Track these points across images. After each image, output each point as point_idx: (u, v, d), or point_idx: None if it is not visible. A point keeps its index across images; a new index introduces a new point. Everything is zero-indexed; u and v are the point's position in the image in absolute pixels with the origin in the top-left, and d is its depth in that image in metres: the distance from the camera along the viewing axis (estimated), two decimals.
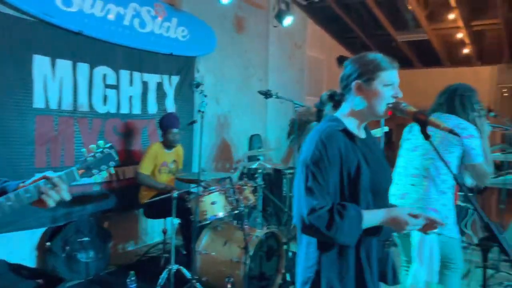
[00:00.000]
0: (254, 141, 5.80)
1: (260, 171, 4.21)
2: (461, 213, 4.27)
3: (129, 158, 4.25)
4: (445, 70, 8.38)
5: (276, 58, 6.43)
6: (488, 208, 5.87)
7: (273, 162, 5.86)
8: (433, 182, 2.38)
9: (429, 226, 1.48)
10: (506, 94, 8.66)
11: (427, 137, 1.46)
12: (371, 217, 1.37)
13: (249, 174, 4.90)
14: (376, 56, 1.50)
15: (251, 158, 5.20)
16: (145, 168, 3.82)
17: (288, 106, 4.21)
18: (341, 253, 1.41)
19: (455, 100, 2.46)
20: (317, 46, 7.61)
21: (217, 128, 5.42)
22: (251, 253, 3.07)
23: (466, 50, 7.78)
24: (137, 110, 4.34)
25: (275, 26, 6.04)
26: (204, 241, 3.34)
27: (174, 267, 3.25)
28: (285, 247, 3.47)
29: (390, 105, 1.49)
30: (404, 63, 8.79)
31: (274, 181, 5.31)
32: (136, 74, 4.30)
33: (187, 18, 4.75)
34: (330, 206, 1.34)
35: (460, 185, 1.43)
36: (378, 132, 4.15)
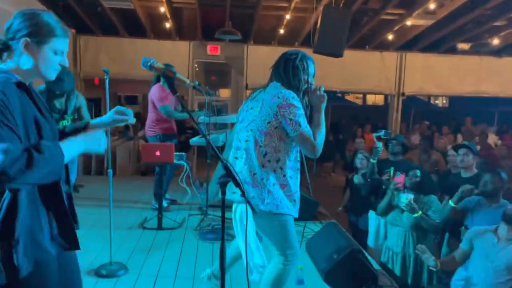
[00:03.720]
0: None
1: None
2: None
3: None
4: (149, 42, 8.86)
5: None
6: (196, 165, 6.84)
7: None
8: (251, 154, 2.24)
9: None
10: (197, 69, 10.05)
11: (174, 92, 1.62)
12: (71, 143, 1.43)
13: None
14: (51, 19, 1.47)
15: None
16: None
17: None
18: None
19: (280, 66, 2.29)
20: None
21: None
22: None
23: (167, 25, 8.47)
24: None
25: None
26: None
27: None
28: None
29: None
30: (111, 31, 8.75)
31: None
32: None
33: None
34: (25, 147, 1.29)
35: (212, 149, 1.66)
36: None
